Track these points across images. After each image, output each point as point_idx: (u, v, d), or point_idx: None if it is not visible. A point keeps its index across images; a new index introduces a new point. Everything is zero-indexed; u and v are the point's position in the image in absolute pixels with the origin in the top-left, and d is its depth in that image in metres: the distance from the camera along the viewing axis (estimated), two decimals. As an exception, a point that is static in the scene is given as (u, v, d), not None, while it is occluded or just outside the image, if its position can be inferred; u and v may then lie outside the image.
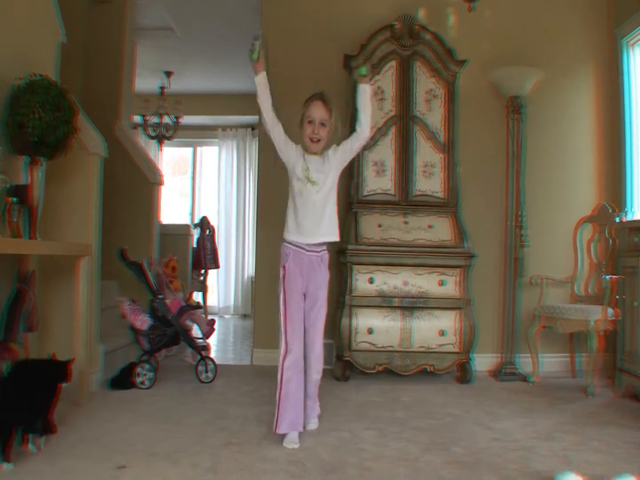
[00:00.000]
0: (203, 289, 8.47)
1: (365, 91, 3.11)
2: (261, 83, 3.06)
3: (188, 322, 4.38)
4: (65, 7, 3.90)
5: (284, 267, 3.08)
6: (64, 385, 2.70)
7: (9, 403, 2.44)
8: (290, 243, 3.09)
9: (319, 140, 3.06)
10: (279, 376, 2.97)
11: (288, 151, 3.09)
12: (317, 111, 3.05)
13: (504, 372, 4.69)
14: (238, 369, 4.89)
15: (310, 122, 3.05)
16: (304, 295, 3.09)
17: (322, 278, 3.11)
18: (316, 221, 3.06)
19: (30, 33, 3.52)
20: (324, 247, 3.13)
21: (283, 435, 2.92)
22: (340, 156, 3.12)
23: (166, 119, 8.63)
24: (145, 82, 8.29)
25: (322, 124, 3.05)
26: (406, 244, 4.51)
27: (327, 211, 3.09)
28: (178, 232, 7.01)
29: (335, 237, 3.13)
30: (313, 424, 3.20)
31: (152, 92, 8.56)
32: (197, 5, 6.43)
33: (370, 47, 4.73)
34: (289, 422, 2.92)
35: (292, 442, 2.89)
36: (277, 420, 2.93)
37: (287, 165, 3.12)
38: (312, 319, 3.11)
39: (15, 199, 2.98)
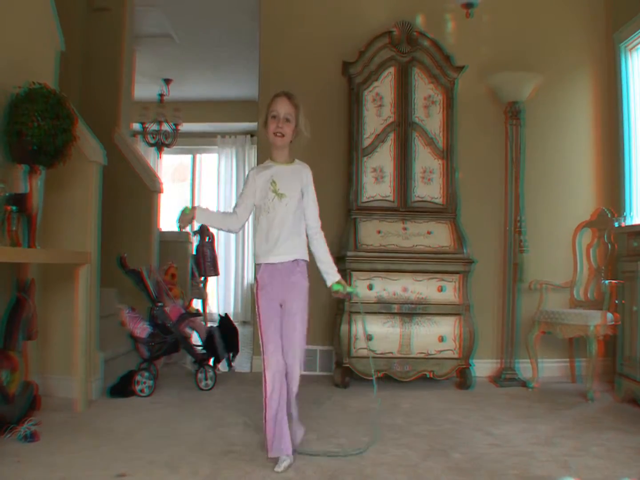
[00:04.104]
0: (203, 296, 8.47)
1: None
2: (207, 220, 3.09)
3: (187, 330, 4.38)
4: (64, 15, 3.92)
5: (256, 280, 2.89)
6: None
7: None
8: (262, 264, 2.90)
9: (283, 136, 2.89)
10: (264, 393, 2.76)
11: (257, 189, 2.92)
12: (282, 106, 2.90)
13: (503, 378, 4.69)
14: (238, 376, 4.88)
15: (274, 117, 2.90)
16: (281, 305, 2.86)
17: (299, 288, 2.87)
18: (288, 237, 2.87)
19: (29, 41, 3.54)
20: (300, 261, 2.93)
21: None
22: (302, 200, 2.96)
23: (165, 126, 8.65)
24: (144, 89, 8.31)
25: (287, 119, 2.88)
26: (405, 250, 4.51)
27: (298, 227, 2.92)
28: (177, 240, 7.00)
29: (306, 256, 2.93)
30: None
31: (151, 100, 8.58)
32: (196, 13, 6.46)
33: (369, 54, 4.75)
34: (277, 446, 2.73)
35: (284, 464, 2.68)
36: (269, 444, 2.75)
37: (257, 197, 2.94)
38: (286, 331, 2.83)
39: (14, 208, 2.99)
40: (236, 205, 2.99)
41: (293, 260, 2.88)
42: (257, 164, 5.30)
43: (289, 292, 2.86)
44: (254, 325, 5.24)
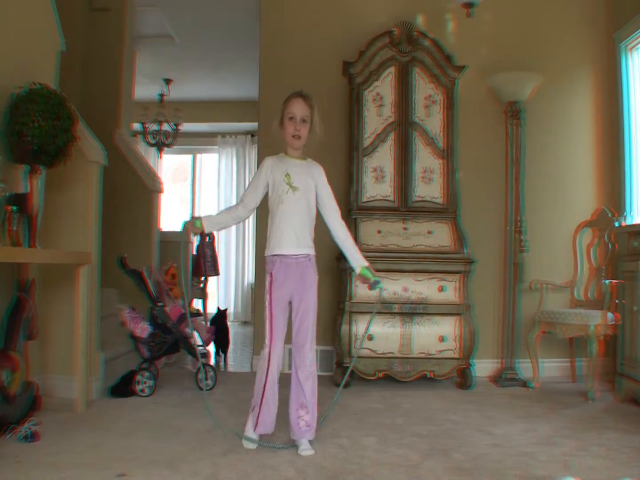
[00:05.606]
0: (203, 296, 8.46)
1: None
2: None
3: (188, 330, 4.37)
4: (64, 16, 3.92)
5: (270, 274, 2.99)
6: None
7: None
8: (274, 256, 3.01)
9: (300, 137, 3.00)
10: (262, 378, 2.99)
11: (272, 180, 3.04)
12: (298, 107, 2.99)
13: (504, 378, 4.69)
14: (238, 376, 4.88)
15: (291, 118, 2.99)
16: (290, 302, 3.01)
17: (309, 280, 3.00)
18: (300, 231, 2.98)
19: (29, 42, 3.54)
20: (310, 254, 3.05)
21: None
22: (317, 194, 3.07)
23: (166, 126, 8.65)
24: (145, 89, 8.32)
25: (304, 121, 3.00)
26: (406, 249, 4.51)
27: (309, 223, 3.03)
28: (178, 240, 6.99)
29: (313, 251, 3.05)
30: (304, 446, 2.93)
31: (151, 100, 8.59)
32: (197, 13, 6.46)
33: (369, 54, 4.75)
34: (264, 424, 3.00)
35: (251, 443, 2.97)
36: (257, 421, 2.99)
37: (270, 188, 3.06)
38: (299, 321, 3.00)
39: (14, 208, 2.99)
40: (246, 191, 3.12)
41: (306, 255, 3.01)
42: (259, 162, 5.40)
43: (302, 285, 2.99)
44: (255, 324, 5.23)
